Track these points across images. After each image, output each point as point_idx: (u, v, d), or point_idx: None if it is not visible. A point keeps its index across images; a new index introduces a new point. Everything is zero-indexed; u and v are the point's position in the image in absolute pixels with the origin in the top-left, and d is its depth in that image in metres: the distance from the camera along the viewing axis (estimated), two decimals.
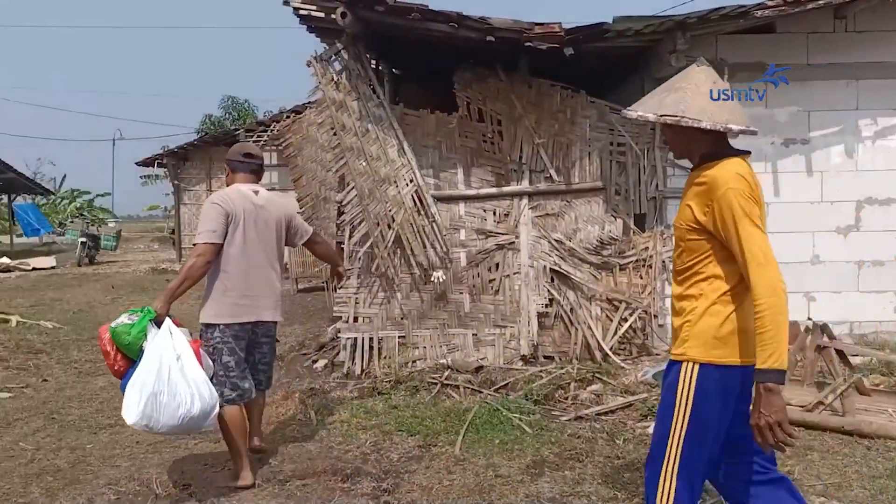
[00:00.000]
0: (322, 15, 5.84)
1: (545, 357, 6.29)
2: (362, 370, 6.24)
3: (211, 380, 3.90)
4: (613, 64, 6.91)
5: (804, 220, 6.65)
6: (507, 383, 5.73)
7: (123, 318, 3.82)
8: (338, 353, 6.65)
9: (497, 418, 5.00)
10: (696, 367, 2.46)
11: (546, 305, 6.27)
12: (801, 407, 4.80)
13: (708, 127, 2.45)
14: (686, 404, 2.47)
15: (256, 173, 4.26)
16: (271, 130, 17.31)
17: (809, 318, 6.31)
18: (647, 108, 2.56)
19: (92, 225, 28.91)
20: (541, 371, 5.90)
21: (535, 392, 5.46)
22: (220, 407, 3.92)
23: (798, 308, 6.53)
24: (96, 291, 13.42)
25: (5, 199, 29.51)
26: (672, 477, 2.50)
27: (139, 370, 3.69)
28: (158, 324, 3.80)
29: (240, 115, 32.55)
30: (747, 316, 2.41)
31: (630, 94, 6.88)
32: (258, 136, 17.77)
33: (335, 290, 6.86)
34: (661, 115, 2.51)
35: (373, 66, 6.59)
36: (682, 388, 2.49)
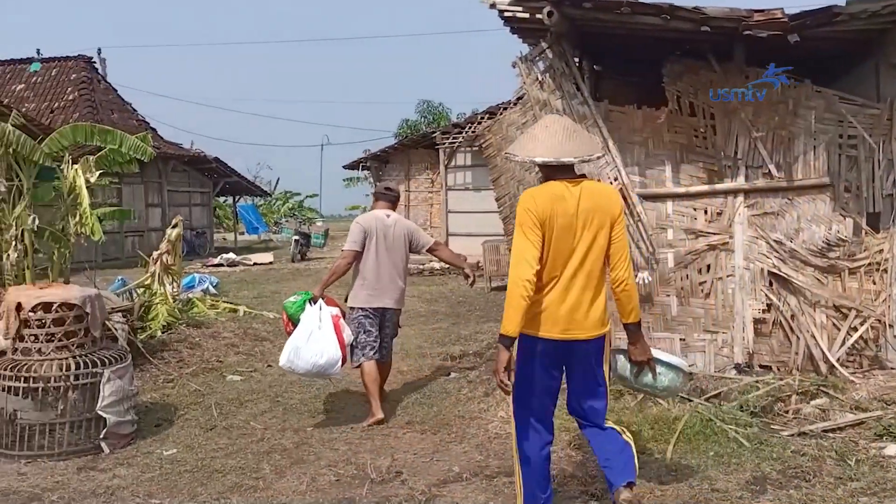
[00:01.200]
0: (527, 15, 5.85)
1: (761, 366, 5.86)
2: None
3: (352, 345, 5.51)
4: (842, 48, 6.29)
5: None
6: (720, 392, 5.40)
7: (292, 298, 5.65)
8: None
9: (710, 429, 4.74)
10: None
11: (763, 311, 5.84)
12: None
13: (519, 160, 3.43)
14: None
15: (392, 202, 5.97)
16: (466, 132, 17.68)
17: None
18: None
19: (303, 224, 31.29)
20: (757, 381, 5.51)
21: (751, 403, 5.11)
22: (360, 364, 5.56)
23: None
24: (308, 285, 14.35)
25: (230, 200, 32.63)
26: (512, 413, 3.50)
27: (294, 332, 5.35)
28: (315, 302, 5.43)
29: (434, 119, 33.65)
30: (541, 302, 3.25)
31: (862, 81, 6.24)
32: (453, 139, 18.20)
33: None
34: (505, 153, 3.54)
35: (576, 63, 6.50)
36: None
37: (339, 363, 5.31)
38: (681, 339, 6.00)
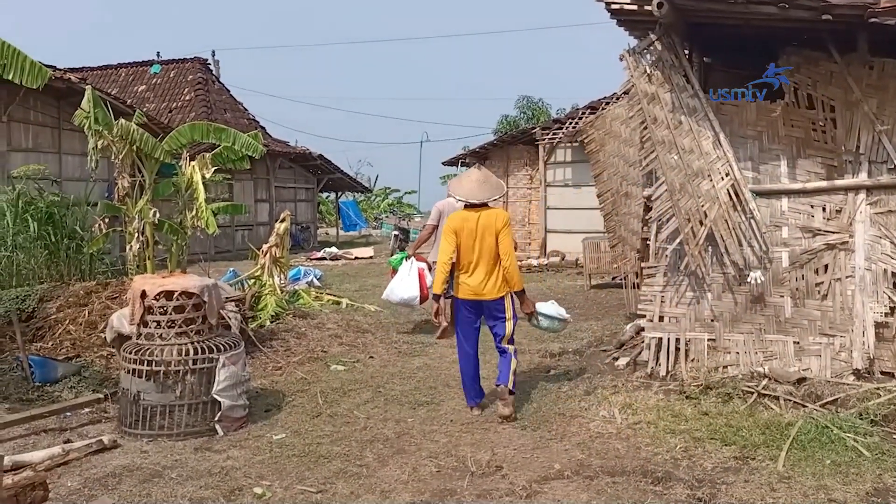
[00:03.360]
0: (634, 7, 5.73)
1: (883, 373, 5.52)
2: (667, 372, 6.02)
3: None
4: None
5: None
6: (836, 399, 5.14)
7: (395, 256, 8.79)
8: (640, 352, 6.50)
9: (826, 436, 4.52)
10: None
11: (886, 314, 5.51)
12: None
13: (451, 195, 6.16)
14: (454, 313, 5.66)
15: None
16: (566, 127, 17.46)
17: None
18: None
19: (403, 220, 31.75)
20: (878, 388, 5.20)
21: (871, 411, 4.84)
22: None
23: None
24: None
25: (332, 196, 33.45)
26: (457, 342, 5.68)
27: (393, 278, 8.34)
28: (408, 259, 8.25)
29: (534, 114, 33.30)
30: (464, 279, 5.43)
31: None
32: (553, 134, 18.00)
33: (637, 288, 6.72)
34: (449, 189, 6.05)
35: (685, 55, 6.31)
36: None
37: (418, 298, 8.13)
38: (795, 343, 5.74)
